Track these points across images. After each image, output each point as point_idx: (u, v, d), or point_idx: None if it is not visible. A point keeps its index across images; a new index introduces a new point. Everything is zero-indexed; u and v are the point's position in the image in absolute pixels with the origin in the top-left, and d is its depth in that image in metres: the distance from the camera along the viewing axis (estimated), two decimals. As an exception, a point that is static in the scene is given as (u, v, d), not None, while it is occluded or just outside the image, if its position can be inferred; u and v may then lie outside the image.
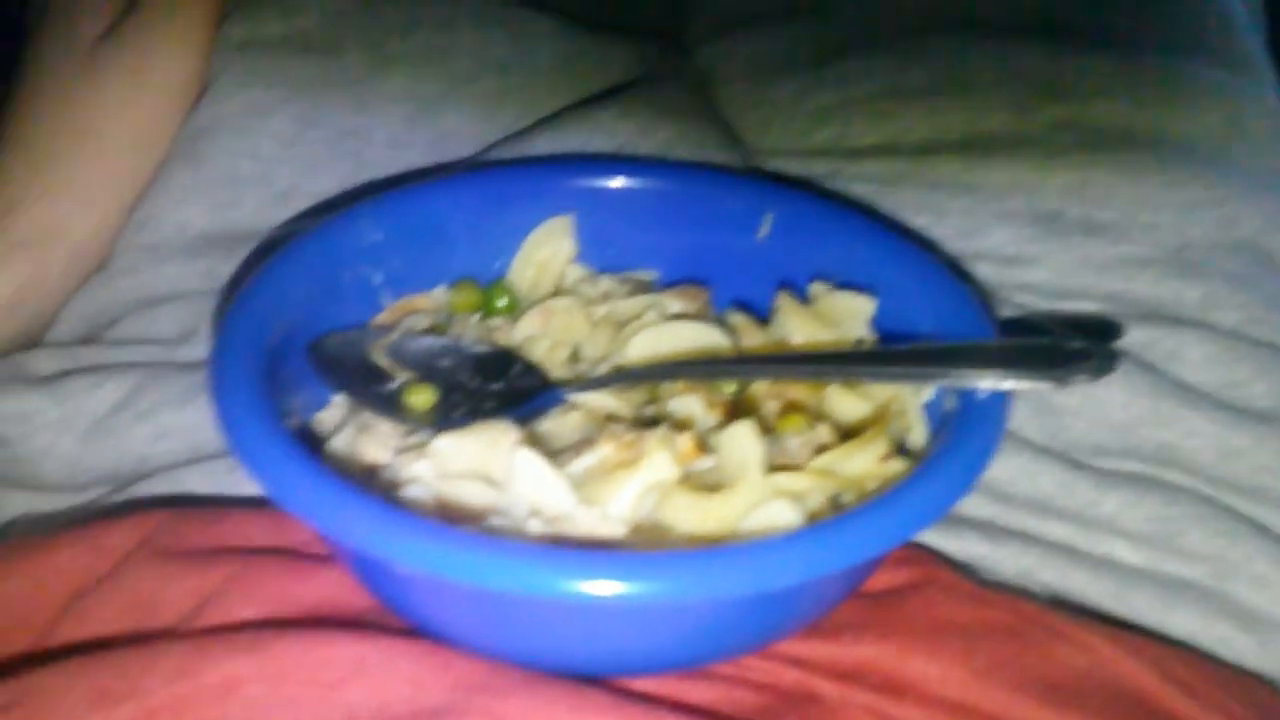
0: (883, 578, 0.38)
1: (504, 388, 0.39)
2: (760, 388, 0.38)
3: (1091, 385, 0.43)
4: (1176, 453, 0.43)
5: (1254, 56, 0.53)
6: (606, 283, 0.43)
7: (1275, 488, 0.43)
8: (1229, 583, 0.41)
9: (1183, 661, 0.38)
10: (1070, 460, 0.43)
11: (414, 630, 0.34)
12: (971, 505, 0.42)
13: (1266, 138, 0.50)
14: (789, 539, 0.31)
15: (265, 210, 0.48)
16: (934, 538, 0.40)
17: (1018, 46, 0.50)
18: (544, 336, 0.41)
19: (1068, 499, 0.42)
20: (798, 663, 0.35)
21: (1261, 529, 0.43)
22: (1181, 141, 0.48)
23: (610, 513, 0.33)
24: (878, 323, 0.40)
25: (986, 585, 0.39)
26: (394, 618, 0.34)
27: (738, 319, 0.41)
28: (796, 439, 0.36)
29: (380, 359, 0.39)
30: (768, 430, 0.37)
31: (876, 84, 0.50)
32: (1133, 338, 0.45)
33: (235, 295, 0.37)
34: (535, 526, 0.33)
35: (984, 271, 0.47)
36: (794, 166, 0.50)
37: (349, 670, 0.32)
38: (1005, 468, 0.42)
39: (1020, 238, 0.47)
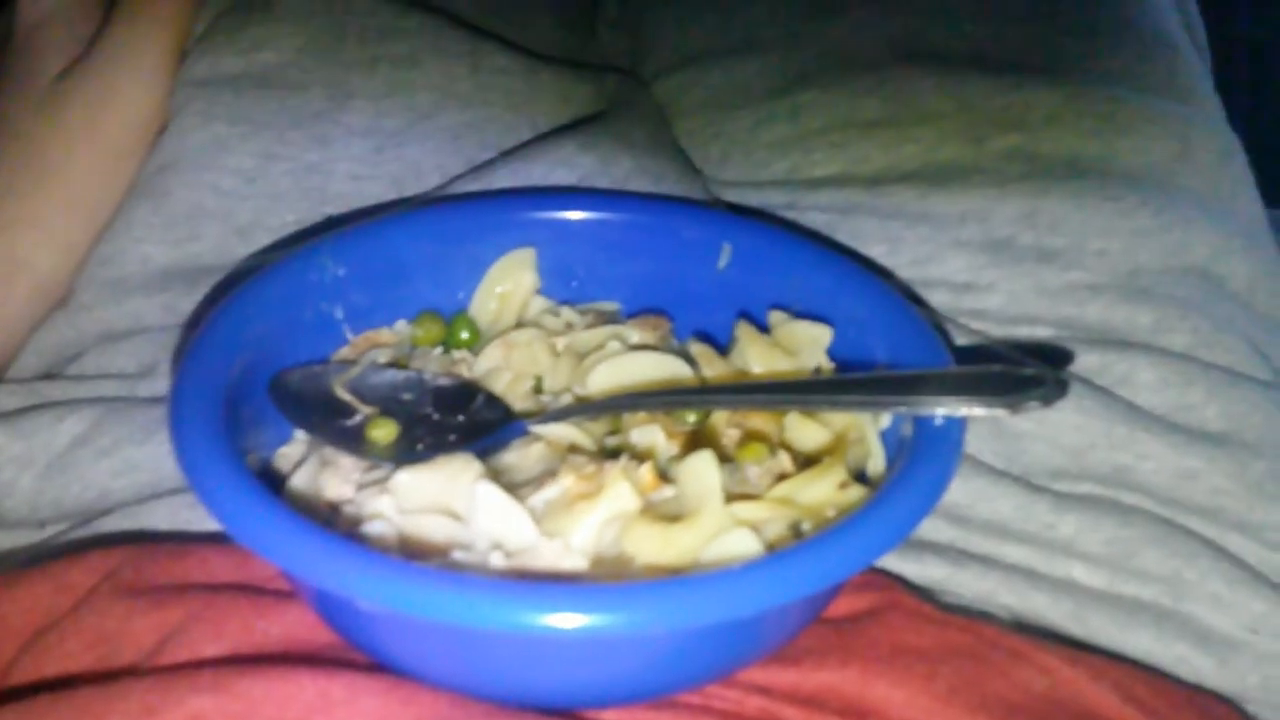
0: (844, 603, 0.38)
1: (466, 420, 0.39)
2: (720, 417, 0.39)
3: (1046, 410, 0.44)
4: (1131, 475, 0.44)
5: (1199, 87, 0.54)
6: (568, 314, 0.44)
7: (1230, 508, 0.44)
8: (1186, 603, 0.42)
9: (1143, 682, 0.39)
10: (1028, 483, 0.44)
11: (377, 666, 0.34)
12: (931, 529, 0.42)
13: (1213, 165, 0.51)
14: (749, 568, 0.31)
15: (227, 245, 0.48)
16: (895, 562, 0.41)
17: (969, 79, 0.51)
18: (506, 368, 0.41)
19: (1026, 522, 0.43)
20: (762, 690, 0.35)
21: (1217, 549, 0.43)
22: (1130, 170, 0.49)
23: (572, 544, 0.34)
24: (835, 351, 0.41)
25: (947, 609, 0.39)
26: (358, 652, 0.34)
27: (698, 349, 0.42)
28: (756, 468, 0.36)
29: (342, 394, 0.39)
30: (728, 459, 0.37)
31: (832, 116, 0.51)
32: (1086, 362, 0.46)
33: (195, 332, 0.37)
34: (497, 560, 0.33)
35: (939, 299, 0.48)
36: (752, 197, 0.51)
37: (312, 707, 0.32)
38: (964, 491, 0.43)
39: (974, 265, 0.48)
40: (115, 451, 0.43)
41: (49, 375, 0.49)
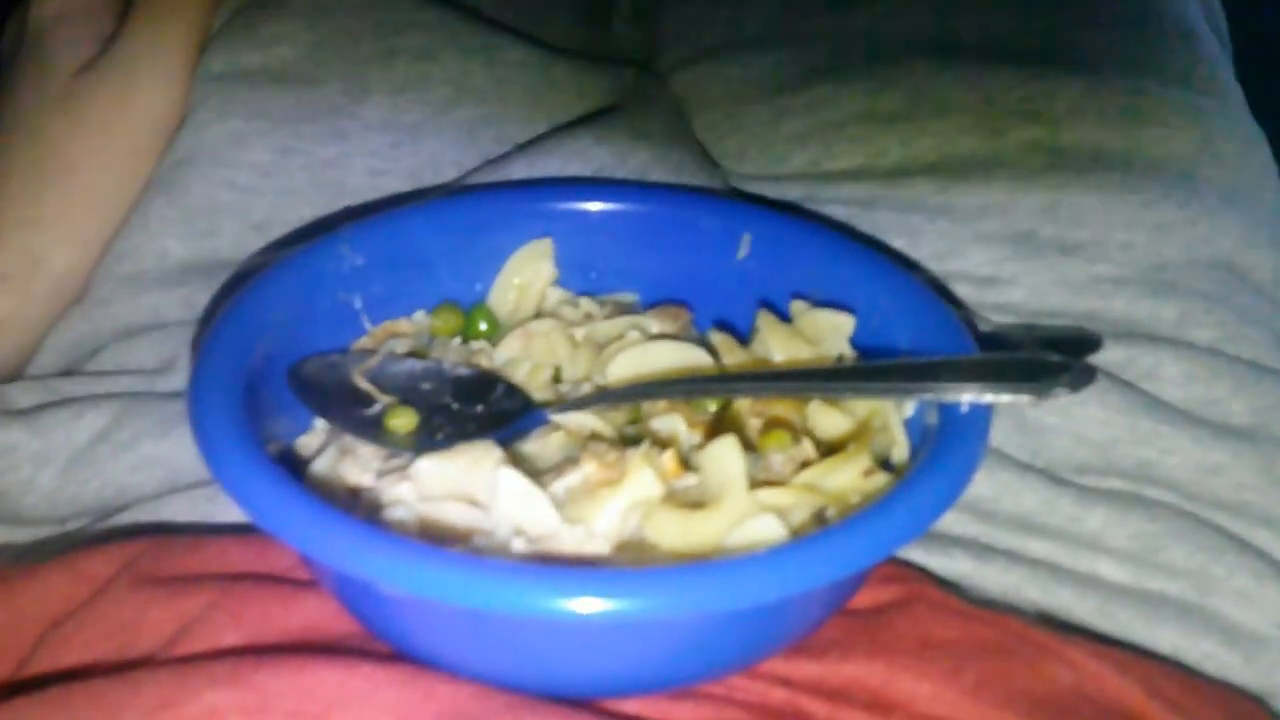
0: (869, 595, 0.37)
1: (486, 410, 0.39)
2: (743, 405, 0.39)
3: (1071, 403, 0.43)
4: (1156, 469, 0.44)
5: (1221, 79, 0.54)
6: (587, 305, 0.43)
7: (1255, 503, 0.44)
8: (1212, 598, 0.42)
9: (1168, 677, 0.38)
10: (1053, 478, 0.43)
11: (398, 655, 0.33)
12: (957, 523, 0.42)
13: (1236, 157, 0.51)
14: (774, 553, 0.31)
15: (244, 239, 0.48)
16: (920, 556, 0.41)
17: (989, 71, 0.51)
18: (525, 359, 0.41)
19: (1051, 516, 0.42)
20: (785, 682, 0.35)
21: (1243, 545, 0.43)
22: (1152, 162, 0.49)
23: (594, 530, 0.33)
24: (857, 340, 0.41)
25: (973, 603, 0.39)
26: (377, 642, 0.34)
27: (719, 338, 0.42)
28: (780, 455, 0.36)
29: (361, 383, 0.39)
30: (751, 447, 0.37)
31: (851, 109, 0.51)
32: (1110, 356, 0.46)
33: (215, 320, 0.37)
34: (519, 546, 0.33)
35: (961, 292, 0.47)
36: (770, 190, 0.50)
37: (331, 700, 0.31)
38: (989, 486, 0.43)
39: (996, 258, 0.47)
40: (134, 446, 0.43)
41: (68, 372, 0.49)
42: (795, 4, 0.55)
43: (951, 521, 0.42)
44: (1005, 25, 0.52)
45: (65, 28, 0.52)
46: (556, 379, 0.41)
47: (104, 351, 0.48)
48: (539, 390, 0.40)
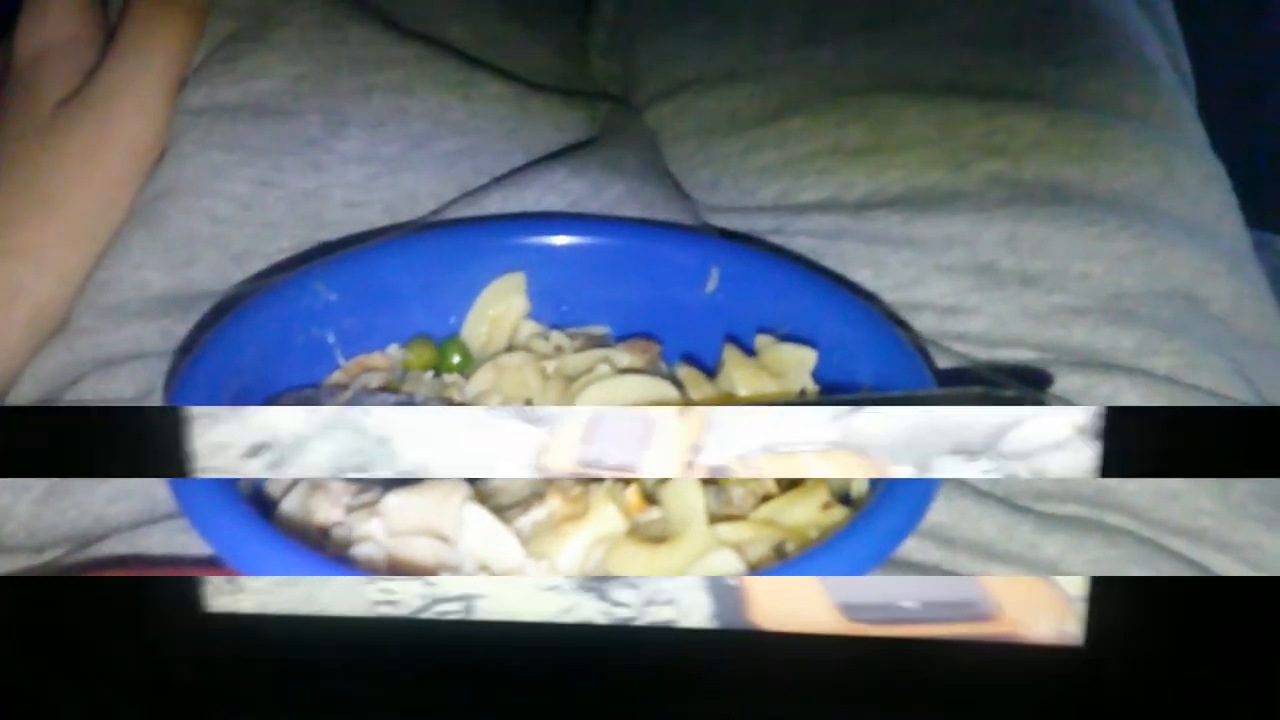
0: (830, 624, 0.38)
1: (457, 443, 0.40)
2: (706, 439, 0.39)
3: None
4: (1114, 496, 0.45)
5: (1182, 114, 0.55)
6: (558, 338, 0.44)
7: (1212, 529, 0.44)
8: (1169, 622, 0.42)
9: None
10: (1012, 505, 0.44)
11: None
12: (917, 550, 0.43)
13: (1195, 189, 0.52)
14: (730, 588, 0.31)
15: (223, 271, 0.49)
16: (880, 583, 0.41)
17: (953, 106, 0.52)
18: (497, 392, 0.42)
19: (1010, 542, 0.43)
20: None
21: (1201, 569, 0.44)
22: (1112, 194, 0.50)
23: (559, 566, 0.34)
24: (820, 374, 0.41)
25: (932, 629, 0.40)
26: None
27: (685, 372, 0.42)
28: (740, 489, 0.37)
29: (334, 417, 0.40)
30: (712, 481, 0.38)
31: (819, 143, 0.52)
32: (1069, 384, 0.47)
33: (187, 357, 0.38)
34: (485, 581, 0.34)
35: (924, 322, 0.48)
36: (740, 222, 0.51)
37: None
38: (949, 513, 0.43)
39: (959, 289, 0.48)
40: (111, 477, 0.44)
41: (46, 401, 0.49)
42: (767, 40, 0.55)
43: (912, 548, 0.43)
44: (968, 61, 0.53)
45: (48, 61, 0.53)
46: (527, 412, 0.42)
47: (84, 381, 0.48)
48: (509, 424, 0.41)
